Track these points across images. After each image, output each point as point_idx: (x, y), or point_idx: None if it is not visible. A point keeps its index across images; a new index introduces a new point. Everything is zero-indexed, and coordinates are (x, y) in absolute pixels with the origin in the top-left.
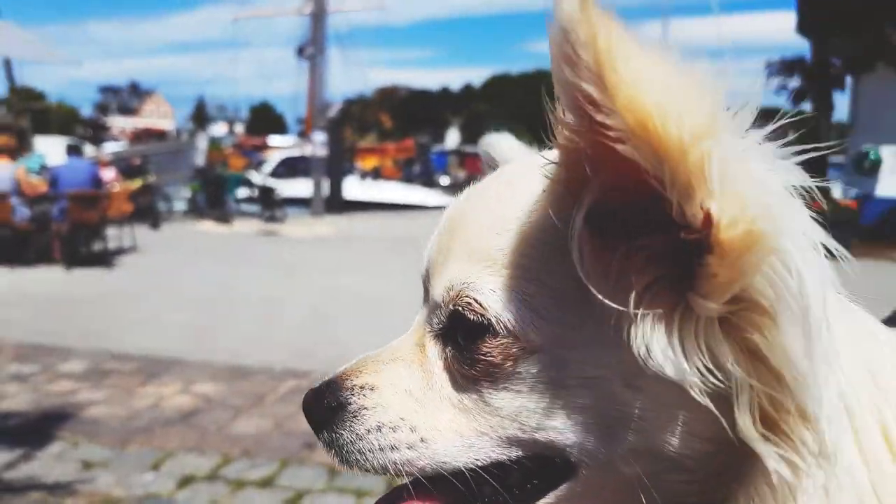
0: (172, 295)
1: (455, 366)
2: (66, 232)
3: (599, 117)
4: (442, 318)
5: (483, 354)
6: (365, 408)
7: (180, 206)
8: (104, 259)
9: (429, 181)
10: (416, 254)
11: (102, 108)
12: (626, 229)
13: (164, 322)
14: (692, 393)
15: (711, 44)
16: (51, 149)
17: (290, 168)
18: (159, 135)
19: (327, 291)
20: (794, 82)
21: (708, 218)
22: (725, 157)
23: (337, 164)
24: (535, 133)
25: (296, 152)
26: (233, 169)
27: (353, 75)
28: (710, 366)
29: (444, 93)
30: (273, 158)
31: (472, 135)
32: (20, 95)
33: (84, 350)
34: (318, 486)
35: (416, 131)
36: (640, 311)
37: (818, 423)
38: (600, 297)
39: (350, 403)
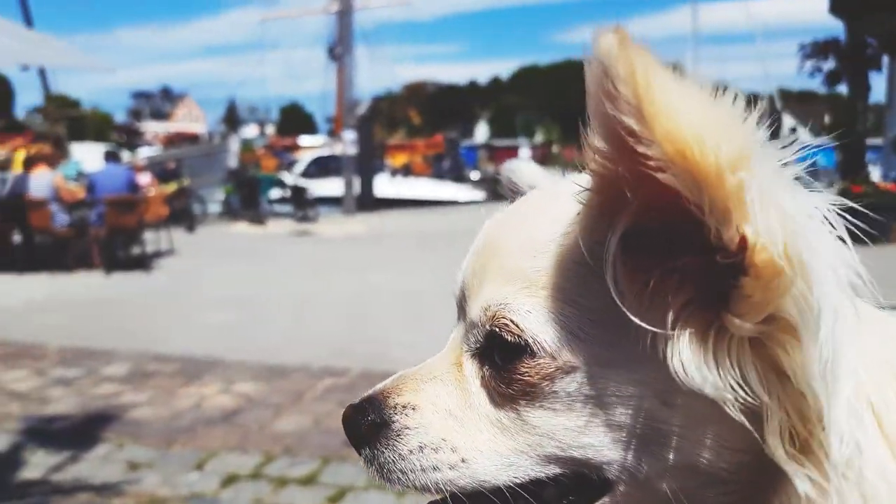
0: (210, 296)
1: (493, 384)
2: (104, 237)
3: (640, 148)
4: (479, 337)
5: (520, 374)
6: (407, 427)
7: (215, 208)
8: (142, 262)
9: (459, 176)
10: (448, 249)
11: (135, 114)
12: (658, 250)
13: (202, 323)
14: (727, 409)
15: (742, 28)
16: (87, 155)
17: (321, 167)
18: (192, 138)
19: (361, 289)
20: (829, 64)
21: (743, 241)
22: (760, 183)
23: (367, 162)
24: (564, 123)
25: (326, 152)
26: (265, 170)
27: (380, 72)
28: (743, 383)
29: (472, 86)
30: (304, 158)
31: (501, 128)
32: (56, 103)
33: (126, 352)
34: (359, 484)
35: (444, 126)
36: (675, 331)
37: (830, 440)
38: (635, 318)
39: (393, 422)
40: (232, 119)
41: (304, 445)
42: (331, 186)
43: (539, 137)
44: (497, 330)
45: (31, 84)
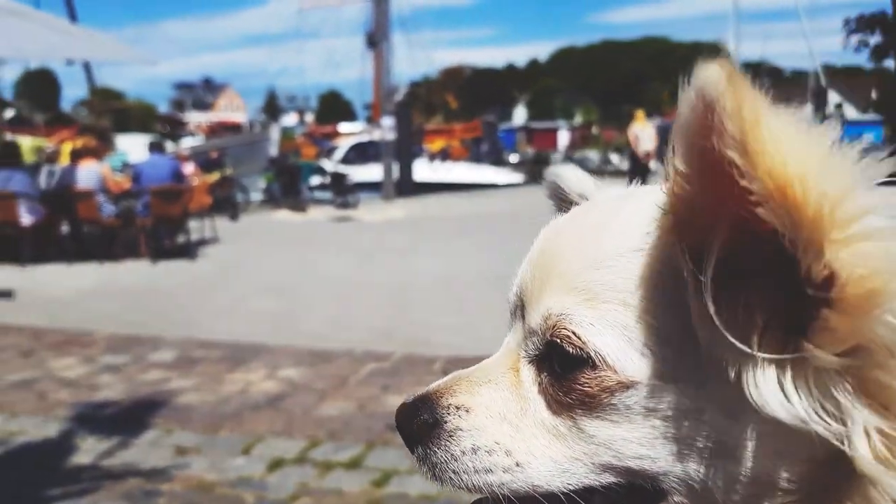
0: (253, 282)
1: (550, 392)
2: (150, 226)
3: (742, 182)
4: (538, 345)
5: (580, 384)
6: (460, 429)
7: (257, 196)
8: (187, 251)
9: (497, 159)
10: (487, 233)
11: (178, 105)
12: (740, 273)
13: (246, 309)
14: (807, 429)
15: (784, 4)
16: (132, 146)
17: (360, 154)
18: (234, 128)
19: (401, 273)
20: (875, 38)
21: (833, 277)
22: (857, 223)
23: (406, 148)
24: (603, 104)
25: (365, 138)
26: (305, 158)
27: (417, 58)
28: (824, 406)
29: (510, 69)
30: (343, 145)
31: (539, 110)
32: (101, 96)
33: (173, 339)
34: (403, 468)
35: (482, 110)
36: (753, 356)
37: None
38: (709, 340)
39: (446, 422)
40: (272, 108)
41: (349, 430)
42: (370, 172)
43: (578, 119)
44: (558, 341)
45: (76, 77)
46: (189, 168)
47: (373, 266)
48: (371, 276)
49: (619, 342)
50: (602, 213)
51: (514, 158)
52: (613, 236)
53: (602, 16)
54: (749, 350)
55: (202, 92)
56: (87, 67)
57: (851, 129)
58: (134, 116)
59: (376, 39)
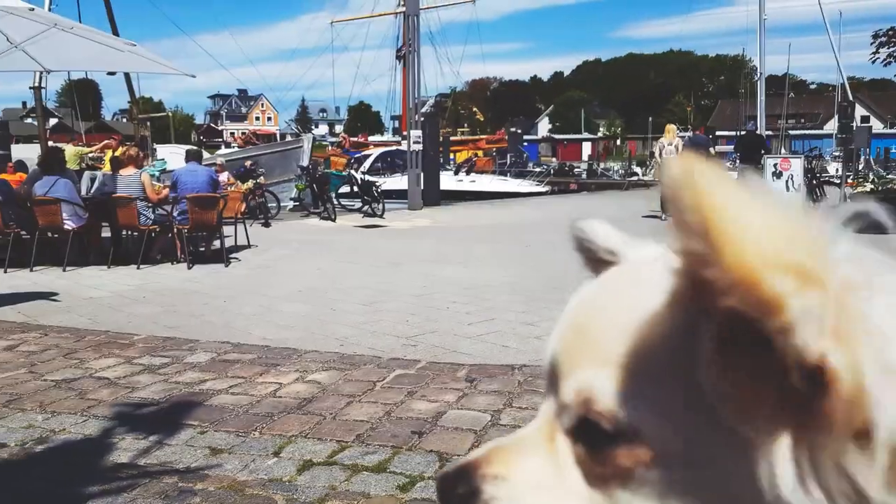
0: (284, 288)
1: (587, 463)
2: (187, 232)
3: (707, 272)
4: (572, 418)
5: (615, 458)
6: (496, 498)
7: (288, 204)
8: (221, 256)
9: (522, 170)
10: (512, 242)
11: (214, 115)
12: (748, 347)
13: (278, 313)
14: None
15: (814, 17)
16: (169, 155)
17: (387, 163)
18: (267, 138)
19: (428, 281)
20: None
21: (822, 365)
22: (836, 307)
23: (432, 158)
24: (627, 116)
25: (392, 148)
26: (335, 167)
27: (445, 71)
28: (845, 486)
29: (535, 82)
30: (371, 155)
31: (563, 122)
32: (141, 106)
33: (207, 342)
34: (429, 473)
35: (507, 122)
36: (764, 438)
37: None
38: (726, 415)
39: (483, 492)
40: (303, 119)
41: (376, 434)
42: (397, 182)
43: (602, 131)
44: (590, 417)
45: (117, 87)
46: (224, 176)
47: (399, 273)
48: (397, 284)
49: (652, 417)
50: (632, 281)
51: (537, 169)
52: (643, 306)
53: (626, 30)
54: (759, 427)
55: (237, 103)
56: (127, 78)
57: (878, 143)
58: (174, 126)
59: (405, 53)
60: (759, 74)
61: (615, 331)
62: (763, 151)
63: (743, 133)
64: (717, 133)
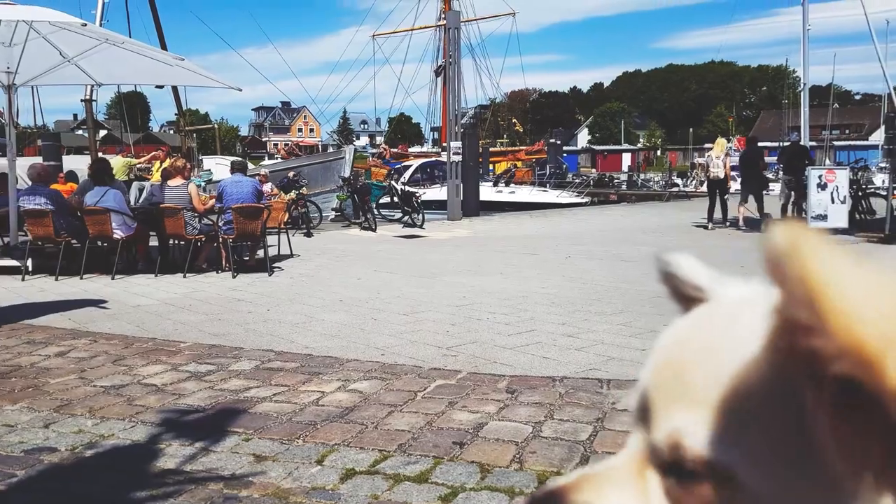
0: (326, 297)
1: (675, 498)
2: (232, 241)
3: (813, 340)
4: (662, 457)
5: (704, 497)
6: None
7: (330, 214)
8: (265, 266)
9: (561, 181)
10: (552, 253)
11: (258, 127)
12: (856, 405)
13: (319, 322)
14: None
15: (860, 26)
16: (215, 166)
17: (427, 174)
18: (309, 149)
19: (467, 291)
20: None
21: None
22: None
23: (471, 169)
24: (668, 127)
25: (432, 159)
26: (375, 178)
27: (485, 83)
28: None
29: (575, 93)
30: (411, 166)
31: (602, 133)
32: (188, 118)
33: (252, 350)
34: (470, 484)
35: (547, 133)
36: (868, 486)
37: None
38: (828, 467)
39: None
40: (345, 130)
41: (417, 444)
42: (437, 192)
43: (642, 142)
44: (681, 459)
45: (165, 100)
46: (268, 187)
47: (438, 284)
48: (437, 294)
49: (747, 463)
50: (728, 324)
51: (577, 180)
52: (740, 352)
53: (667, 41)
54: (863, 479)
55: (280, 115)
56: (175, 91)
57: None
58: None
59: (445, 65)
60: (802, 85)
61: (711, 374)
62: (807, 162)
63: (787, 144)
64: (759, 144)
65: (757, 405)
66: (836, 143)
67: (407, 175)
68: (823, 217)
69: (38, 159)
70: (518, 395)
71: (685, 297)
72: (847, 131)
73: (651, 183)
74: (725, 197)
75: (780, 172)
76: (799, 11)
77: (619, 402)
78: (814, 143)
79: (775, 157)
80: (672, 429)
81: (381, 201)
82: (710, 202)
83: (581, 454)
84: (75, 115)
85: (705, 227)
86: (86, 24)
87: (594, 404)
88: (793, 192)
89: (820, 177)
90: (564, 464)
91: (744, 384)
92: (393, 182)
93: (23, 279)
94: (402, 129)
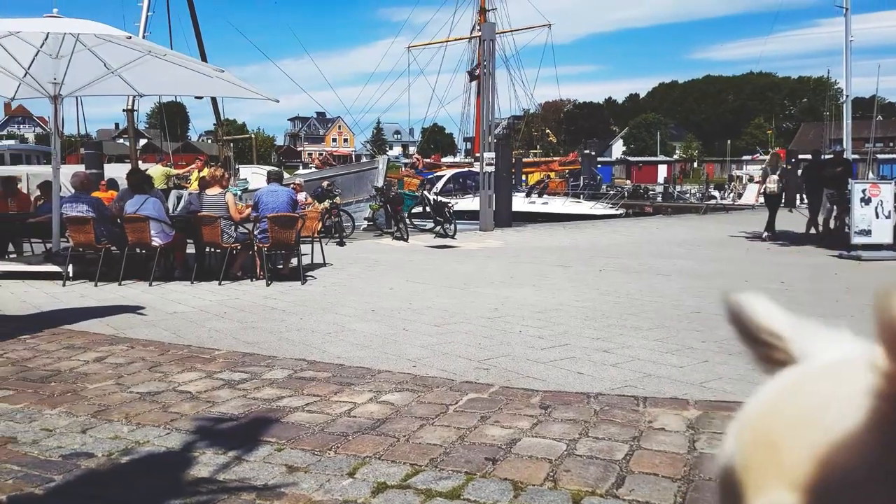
0: (358, 306)
1: None
2: (266, 250)
3: None
4: None
5: None
6: None
7: (362, 223)
8: (298, 274)
9: (595, 193)
10: (585, 266)
11: (293, 137)
12: None
13: (351, 332)
14: None
15: None
16: (251, 176)
17: (460, 185)
18: (343, 159)
19: (499, 303)
20: None
21: None
22: None
23: (504, 180)
24: (704, 138)
25: (465, 169)
26: (408, 187)
27: (518, 93)
28: None
29: (610, 104)
30: (444, 176)
31: (638, 144)
32: (225, 128)
33: (284, 359)
34: (503, 502)
35: (581, 144)
36: None
37: None
38: None
39: None
40: (378, 140)
41: (449, 459)
42: (469, 203)
43: (678, 153)
44: None
45: (203, 110)
46: (302, 196)
47: (470, 295)
48: (468, 305)
49: None
50: (826, 395)
51: (611, 192)
52: (841, 427)
53: (704, 52)
54: None
55: (315, 125)
56: (214, 102)
57: None
58: (256, 147)
59: (479, 74)
60: (845, 96)
61: (810, 451)
62: (850, 176)
63: (829, 157)
64: (800, 157)
65: (860, 487)
66: (879, 156)
67: (439, 185)
68: (867, 232)
69: (81, 167)
70: (552, 411)
71: (758, 342)
72: (892, 144)
73: (687, 195)
74: (778, 210)
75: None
76: (841, 22)
77: (655, 420)
78: (856, 157)
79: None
80: None
81: (414, 211)
82: (771, 215)
83: (617, 474)
84: (117, 125)
85: (761, 239)
86: (130, 37)
87: (630, 422)
88: (835, 207)
89: (864, 191)
90: (600, 483)
91: (846, 464)
92: (425, 192)
93: (64, 284)
94: (435, 140)
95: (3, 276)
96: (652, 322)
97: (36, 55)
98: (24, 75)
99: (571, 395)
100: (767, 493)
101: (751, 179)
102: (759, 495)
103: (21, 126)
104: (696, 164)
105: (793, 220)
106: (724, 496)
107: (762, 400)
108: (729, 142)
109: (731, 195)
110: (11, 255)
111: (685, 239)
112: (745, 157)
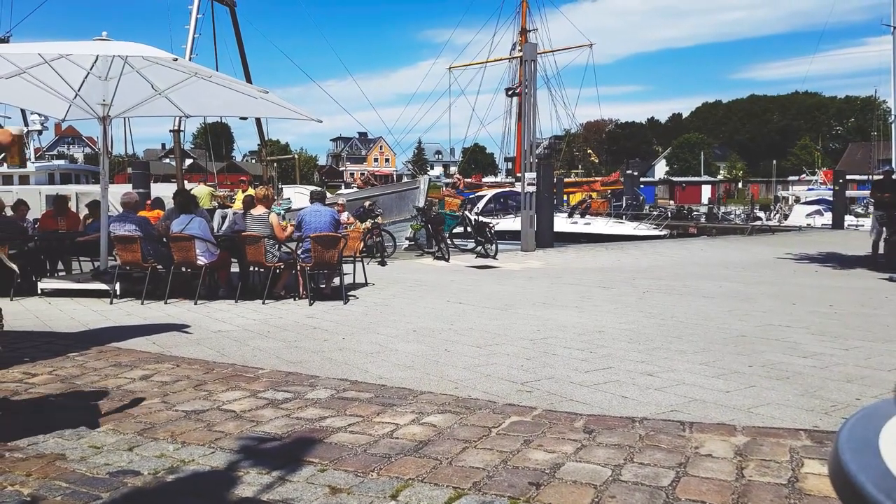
0: (400, 326)
1: None
2: (309, 270)
3: None
4: None
5: None
6: None
7: (404, 243)
8: (340, 294)
9: (638, 213)
10: (628, 287)
11: (335, 157)
12: None
13: (393, 353)
14: None
15: None
16: (294, 195)
17: (501, 204)
18: (384, 179)
19: (541, 324)
20: None
21: None
22: None
23: (546, 200)
24: (749, 158)
25: (506, 189)
26: (449, 207)
27: (560, 113)
28: None
29: (652, 123)
30: (485, 196)
31: (681, 164)
32: (270, 148)
33: (327, 378)
34: None
35: (623, 164)
36: None
37: None
38: None
39: None
40: (419, 160)
41: (493, 483)
42: (510, 223)
43: (722, 174)
44: None
45: (248, 130)
46: (345, 216)
47: (512, 316)
48: (510, 327)
49: None
50: None
51: (654, 212)
52: None
53: (748, 72)
54: None
55: (357, 145)
56: (258, 122)
57: None
58: (299, 167)
59: (521, 93)
60: (893, 116)
61: None
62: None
63: (879, 177)
64: (848, 177)
65: None
66: None
67: (480, 205)
68: None
69: (128, 187)
70: (596, 436)
71: None
72: None
73: (732, 216)
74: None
75: (871, 207)
76: (889, 41)
77: (702, 446)
78: None
79: (868, 192)
80: None
81: (455, 231)
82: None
83: (663, 501)
84: (163, 145)
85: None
86: (177, 59)
87: (676, 448)
88: (884, 228)
89: None
90: None
91: None
92: (466, 212)
93: (111, 302)
94: (476, 159)
95: (52, 293)
96: (697, 345)
97: (86, 77)
98: (75, 97)
99: (616, 419)
100: None
101: (797, 200)
102: None
103: (70, 146)
104: (740, 185)
105: (841, 241)
106: None
107: None
108: (774, 162)
109: (777, 216)
110: (61, 273)
111: (730, 260)
112: (791, 178)
